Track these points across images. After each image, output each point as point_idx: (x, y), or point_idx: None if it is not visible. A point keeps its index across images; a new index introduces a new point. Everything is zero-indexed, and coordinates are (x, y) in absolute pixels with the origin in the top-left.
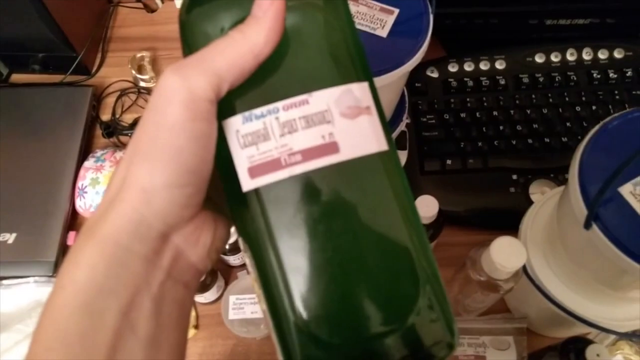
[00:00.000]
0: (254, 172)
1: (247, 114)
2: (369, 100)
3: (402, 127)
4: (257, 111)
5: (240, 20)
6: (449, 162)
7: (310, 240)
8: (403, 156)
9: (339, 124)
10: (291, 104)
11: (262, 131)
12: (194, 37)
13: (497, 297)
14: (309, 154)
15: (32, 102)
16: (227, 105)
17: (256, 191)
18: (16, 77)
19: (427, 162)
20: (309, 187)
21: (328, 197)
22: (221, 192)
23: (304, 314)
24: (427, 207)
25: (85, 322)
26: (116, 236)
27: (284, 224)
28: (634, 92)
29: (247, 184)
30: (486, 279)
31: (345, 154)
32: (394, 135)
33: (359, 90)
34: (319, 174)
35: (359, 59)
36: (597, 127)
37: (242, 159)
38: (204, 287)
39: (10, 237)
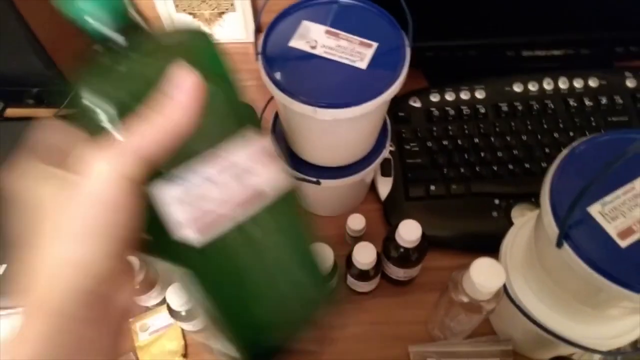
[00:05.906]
0: (196, 223)
1: (177, 180)
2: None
3: (385, 154)
4: (186, 175)
5: (137, 93)
6: (432, 188)
7: (248, 265)
8: (388, 183)
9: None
10: (214, 163)
11: (194, 190)
12: (90, 112)
13: (480, 318)
14: (245, 203)
15: (26, 136)
16: (159, 175)
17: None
18: (11, 112)
19: (412, 188)
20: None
21: (250, 227)
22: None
23: (254, 319)
24: (410, 231)
25: None
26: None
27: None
28: (609, 119)
29: (196, 238)
30: (469, 300)
31: (269, 195)
32: (378, 161)
33: (268, 143)
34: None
35: (249, 115)
36: (565, 151)
37: (180, 217)
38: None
39: (0, 269)
